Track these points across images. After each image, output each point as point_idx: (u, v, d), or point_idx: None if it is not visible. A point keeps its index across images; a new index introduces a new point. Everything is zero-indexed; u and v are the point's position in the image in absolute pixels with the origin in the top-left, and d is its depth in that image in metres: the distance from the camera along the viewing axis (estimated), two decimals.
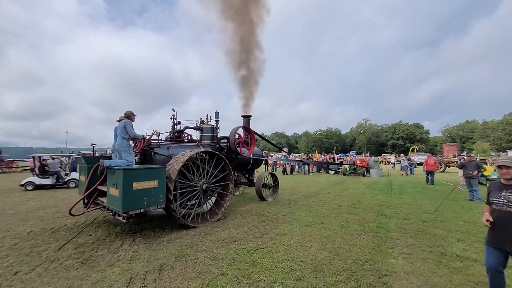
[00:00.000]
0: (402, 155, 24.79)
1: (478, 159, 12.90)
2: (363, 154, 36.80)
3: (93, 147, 6.58)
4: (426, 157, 19.86)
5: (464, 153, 17.91)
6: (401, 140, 65.29)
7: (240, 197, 9.37)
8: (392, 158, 33.90)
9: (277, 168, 21.78)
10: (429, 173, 13.79)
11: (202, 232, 5.29)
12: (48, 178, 11.51)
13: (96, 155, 6.73)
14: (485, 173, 12.58)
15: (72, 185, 11.83)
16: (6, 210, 7.27)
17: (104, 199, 5.18)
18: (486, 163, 17.84)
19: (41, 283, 3.31)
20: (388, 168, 25.56)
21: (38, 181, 11.27)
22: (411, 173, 19.91)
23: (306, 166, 20.42)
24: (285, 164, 20.07)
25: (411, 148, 34.82)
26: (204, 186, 5.93)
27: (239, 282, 3.31)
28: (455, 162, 22.18)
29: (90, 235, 5.08)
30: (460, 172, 12.01)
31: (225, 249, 4.37)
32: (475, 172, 8.76)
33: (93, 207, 5.44)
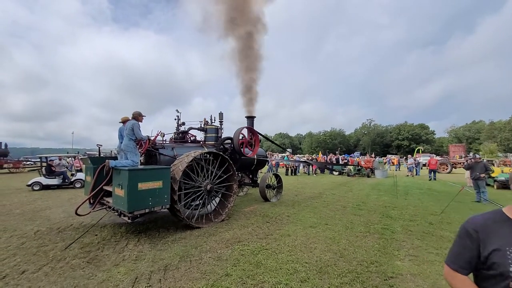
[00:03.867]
0: (409, 155, 24.57)
1: (485, 160, 12.73)
2: (368, 155, 36.52)
3: (99, 147, 6.66)
4: (429, 158, 21.36)
5: (471, 154, 17.72)
6: (406, 141, 64.62)
7: (244, 198, 9.37)
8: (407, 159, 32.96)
9: (278, 169, 21.71)
10: (432, 171, 16.44)
11: (206, 232, 5.30)
12: (55, 178, 11.66)
13: (102, 155, 6.80)
14: (492, 175, 12.38)
15: (78, 185, 11.97)
16: (13, 210, 7.38)
17: (109, 199, 5.22)
18: (493, 164, 17.57)
19: (48, 282, 3.34)
20: (392, 168, 25.31)
21: (45, 181, 11.42)
22: (416, 174, 19.71)
23: (311, 167, 20.34)
24: (287, 164, 20.02)
25: (416, 149, 34.43)
26: (208, 187, 5.94)
27: (244, 283, 3.30)
28: (462, 163, 21.90)
29: (96, 235, 5.13)
30: (467, 173, 11.86)
31: (230, 250, 4.37)
32: (483, 175, 8.63)
33: (98, 207, 5.49)
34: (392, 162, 28.88)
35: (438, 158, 25.66)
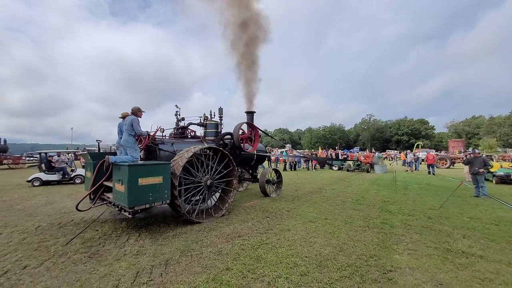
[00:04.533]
0: (408, 151, 24.69)
1: (484, 155, 12.79)
2: (367, 150, 36.59)
3: (98, 143, 6.64)
4: (426, 153, 22.43)
5: (470, 149, 17.88)
6: (406, 136, 64.74)
7: (244, 193, 9.40)
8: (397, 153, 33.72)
9: (278, 164, 21.77)
10: (430, 166, 17.13)
11: (206, 227, 5.33)
12: (55, 174, 11.67)
13: (101, 151, 6.78)
14: (491, 170, 12.42)
15: (78, 181, 11.99)
16: (14, 206, 7.40)
17: (110, 195, 5.24)
18: (492, 159, 17.64)
19: (50, 277, 3.37)
20: (392, 163, 25.40)
21: (45, 177, 11.43)
22: (415, 169, 19.77)
23: (310, 162, 20.40)
24: (286, 159, 20.04)
25: (415, 144, 34.48)
26: (208, 182, 5.95)
27: (244, 277, 3.34)
28: (461, 158, 21.98)
29: (97, 230, 5.15)
30: (466, 168, 11.89)
31: (230, 244, 4.40)
32: (482, 169, 8.65)
33: (99, 203, 5.50)
34: (396, 157, 29.15)
35: (435, 153, 25.92)
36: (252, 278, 3.31)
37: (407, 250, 4.20)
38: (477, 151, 9.87)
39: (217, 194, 6.71)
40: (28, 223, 5.68)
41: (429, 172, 16.91)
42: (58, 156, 12.75)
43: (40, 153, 12.42)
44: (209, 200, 6.27)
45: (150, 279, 3.31)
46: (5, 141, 24.21)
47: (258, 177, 8.85)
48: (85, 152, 6.55)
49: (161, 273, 3.45)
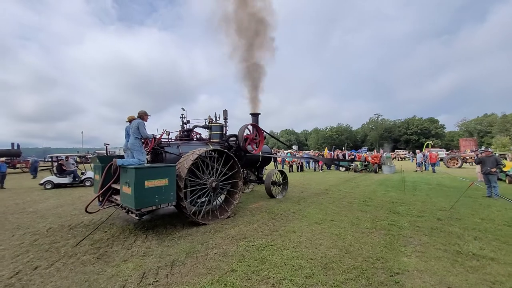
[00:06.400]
0: (418, 150, 24.21)
1: (497, 154, 12.40)
2: (375, 150, 36.05)
3: (106, 146, 6.78)
4: (428, 153, 22.24)
5: (482, 147, 17.53)
6: (415, 136, 63.45)
7: (249, 195, 9.40)
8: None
9: (283, 166, 21.68)
10: (432, 164, 18.45)
11: (212, 229, 5.36)
12: (66, 177, 11.96)
13: (110, 154, 6.92)
14: (504, 169, 12.04)
15: (88, 183, 12.26)
16: (26, 208, 7.62)
17: (118, 197, 5.34)
18: (505, 158, 17.11)
19: (60, 277, 3.46)
20: (401, 164, 24.93)
21: (56, 180, 11.73)
22: (425, 170, 19.37)
23: (317, 163, 20.27)
24: (291, 161, 19.95)
25: (425, 144, 33.78)
26: (214, 184, 5.99)
27: (249, 279, 3.34)
28: (472, 158, 21.43)
29: (105, 232, 5.25)
30: (478, 167, 11.57)
31: (235, 246, 4.41)
32: (493, 169, 8.40)
33: (107, 205, 5.61)
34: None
35: (441, 152, 25.46)
36: (256, 280, 3.31)
37: (416, 252, 4.11)
38: (490, 150, 9.59)
39: (223, 196, 6.74)
40: (39, 225, 5.84)
41: (433, 171, 17.89)
42: (67, 159, 13.06)
43: (51, 157, 12.67)
44: (215, 202, 6.31)
45: (156, 280, 3.35)
46: (18, 145, 25.00)
47: (264, 178, 8.84)
48: (95, 156, 6.70)
49: (167, 274, 3.49)
